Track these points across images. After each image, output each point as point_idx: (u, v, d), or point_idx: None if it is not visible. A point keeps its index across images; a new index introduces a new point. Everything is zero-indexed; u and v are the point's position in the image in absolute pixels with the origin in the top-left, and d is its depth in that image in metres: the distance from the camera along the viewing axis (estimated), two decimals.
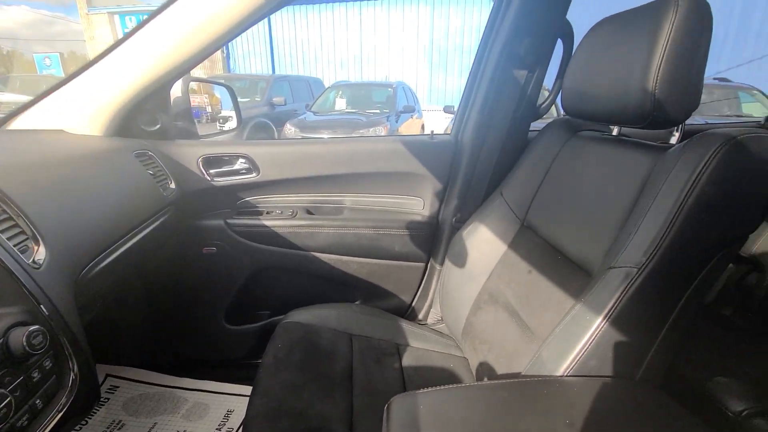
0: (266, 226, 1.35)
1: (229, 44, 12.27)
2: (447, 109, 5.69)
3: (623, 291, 0.65)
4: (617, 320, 0.65)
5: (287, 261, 1.39)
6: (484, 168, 1.33)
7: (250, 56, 12.96)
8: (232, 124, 1.61)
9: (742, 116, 4.94)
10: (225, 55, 13.10)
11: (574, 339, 0.67)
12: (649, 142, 0.82)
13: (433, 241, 1.44)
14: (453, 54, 10.89)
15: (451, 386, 0.66)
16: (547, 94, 1.33)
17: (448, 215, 1.40)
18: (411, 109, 6.24)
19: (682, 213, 0.63)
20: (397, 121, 5.74)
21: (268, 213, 1.39)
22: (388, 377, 1.03)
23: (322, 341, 1.10)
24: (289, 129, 5.75)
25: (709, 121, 4.62)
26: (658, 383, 0.72)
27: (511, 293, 1.00)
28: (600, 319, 0.66)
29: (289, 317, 1.18)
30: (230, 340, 1.46)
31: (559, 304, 0.80)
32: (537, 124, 1.29)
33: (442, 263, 1.41)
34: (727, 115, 4.93)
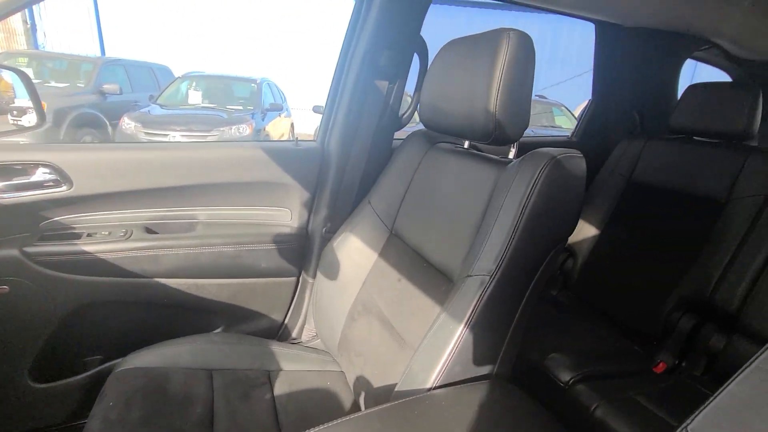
0: (87, 252, 1.07)
1: (34, 13, 9.77)
2: (316, 109, 5.61)
3: (479, 298, 0.73)
4: (475, 326, 0.72)
5: (121, 292, 1.13)
6: (352, 177, 1.30)
7: (68, 31, 10.51)
8: (31, 118, 1.23)
9: (555, 126, 6.19)
10: (30, 26, 10.33)
11: (439, 349, 0.73)
12: (493, 157, 0.91)
13: (304, 253, 1.36)
14: (323, 52, 10.81)
15: (321, 427, 0.60)
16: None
17: (317, 226, 1.34)
18: (279, 108, 5.95)
19: (520, 224, 0.73)
20: (263, 119, 5.41)
21: (89, 236, 1.11)
22: (257, 412, 0.92)
23: (171, 386, 0.92)
24: (128, 124, 4.80)
25: (535, 131, 5.72)
26: (509, 374, 0.80)
27: (384, 303, 1.00)
28: (461, 327, 0.72)
29: (125, 363, 0.96)
30: (40, 402, 1.12)
31: (427, 311, 0.85)
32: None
33: (314, 276, 1.34)
34: (545, 126, 6.10)
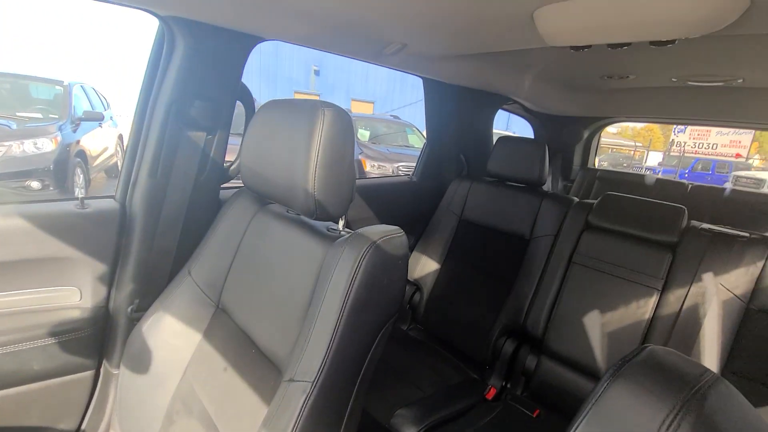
0: None
1: None
2: None
3: (303, 405, 0.67)
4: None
5: None
6: (165, 242, 1.08)
7: None
8: None
9: (408, 145, 6.71)
10: None
11: None
12: (321, 229, 0.85)
13: (103, 340, 1.08)
14: None
15: None
16: None
17: (121, 304, 1.07)
18: (98, 117, 4.89)
19: (342, 318, 0.70)
20: (75, 131, 4.35)
21: None
22: None
23: None
24: None
25: (390, 150, 6.09)
26: None
27: (207, 398, 0.85)
28: None
29: None
30: None
31: (253, 413, 0.75)
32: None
33: (118, 366, 1.07)
34: (401, 145, 6.56)
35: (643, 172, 12.54)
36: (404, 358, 1.57)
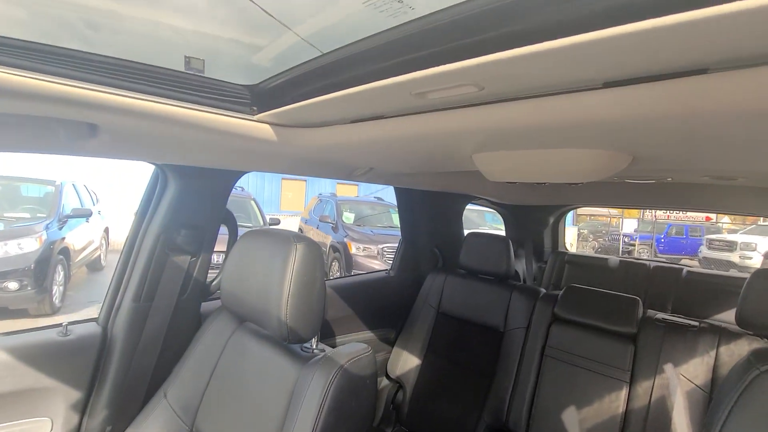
0: None
1: None
2: None
3: None
4: None
5: None
6: (142, 364, 1.10)
7: None
8: None
9: (393, 226, 6.92)
10: None
11: None
12: (296, 351, 0.90)
13: None
14: None
15: None
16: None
17: (94, 431, 1.05)
18: (86, 213, 5.00)
19: None
20: (61, 229, 4.41)
21: None
22: None
23: None
24: None
25: (375, 231, 6.28)
26: None
27: None
28: None
29: None
30: None
31: None
32: None
33: None
34: (385, 226, 6.77)
35: (620, 238, 12.97)
36: None
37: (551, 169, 0.81)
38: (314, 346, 0.91)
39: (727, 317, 1.28)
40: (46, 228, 4.21)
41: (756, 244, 9.31)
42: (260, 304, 0.86)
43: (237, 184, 1.26)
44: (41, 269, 3.97)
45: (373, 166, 1.28)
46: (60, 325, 1.06)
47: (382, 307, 1.92)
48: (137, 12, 0.66)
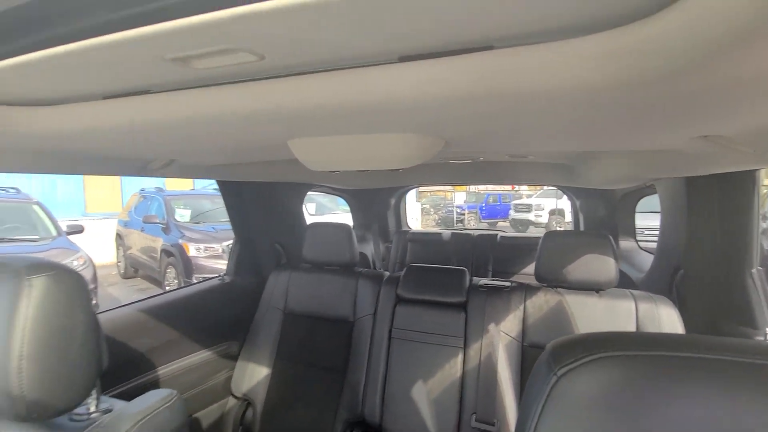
0: None
1: None
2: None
3: None
4: None
5: None
6: None
7: None
8: None
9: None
10: None
11: None
12: (59, 424, 0.64)
13: None
14: None
15: None
16: None
17: None
18: None
19: None
20: None
21: None
22: None
23: None
24: None
25: (217, 227, 5.61)
26: None
27: None
28: None
29: None
30: None
31: None
32: None
33: None
34: (225, 221, 6.12)
35: (454, 210, 15.06)
36: None
37: (368, 156, 0.74)
38: (91, 409, 0.67)
39: (531, 269, 1.55)
40: None
41: (543, 205, 12.27)
42: None
43: (8, 183, 0.83)
44: None
45: (173, 157, 1.03)
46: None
47: (219, 319, 1.66)
48: None
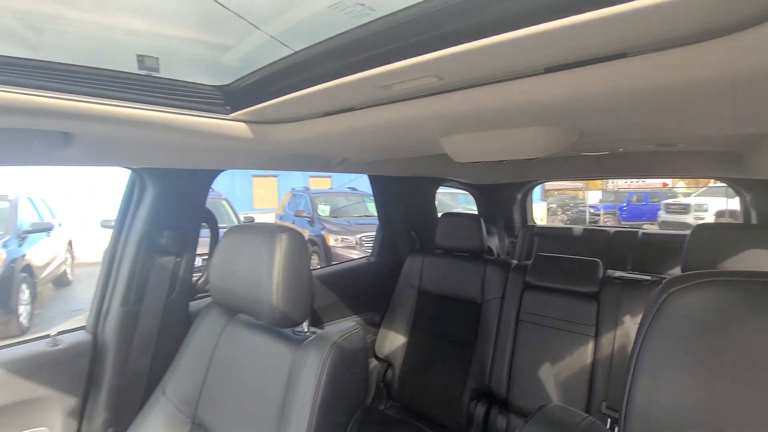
0: None
1: None
2: (105, 224, 4.80)
3: None
4: None
5: None
6: (140, 364, 1.13)
7: None
8: None
9: (368, 215, 6.98)
10: None
11: None
12: (288, 334, 0.95)
13: None
14: None
15: None
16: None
17: None
18: (46, 227, 4.78)
19: (316, 412, 0.79)
20: (21, 245, 4.21)
21: None
22: None
23: None
24: None
25: (351, 221, 6.31)
26: None
27: None
28: None
29: None
30: None
31: None
32: None
33: None
34: (361, 215, 6.81)
35: (586, 210, 13.57)
36: None
37: (509, 147, 0.89)
38: (306, 330, 0.97)
39: (678, 271, 1.44)
40: (5, 246, 4.01)
41: (707, 205, 10.01)
42: (251, 294, 0.90)
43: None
44: (4, 289, 3.79)
45: (347, 156, 1.33)
46: (48, 335, 1.06)
47: (366, 292, 1.99)
48: (99, 18, 0.68)
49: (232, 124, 0.86)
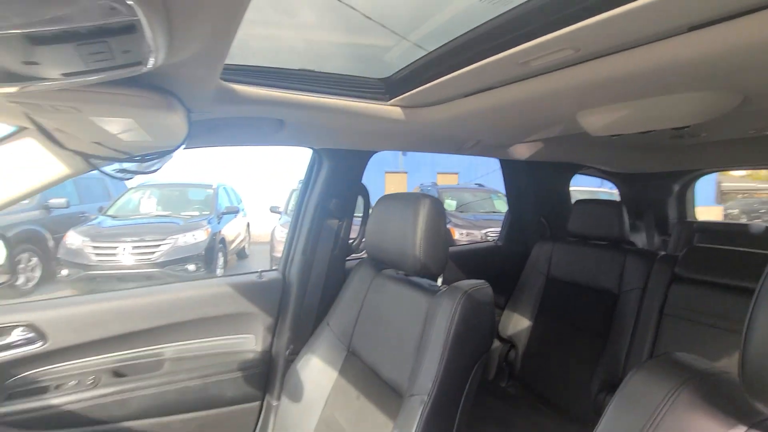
0: (55, 406, 1.10)
1: None
2: (273, 209, 5.88)
3: (421, 414, 0.89)
4: None
5: None
6: (311, 301, 1.47)
7: None
8: None
9: (495, 211, 6.87)
10: None
11: None
12: (424, 285, 1.13)
13: (268, 376, 1.44)
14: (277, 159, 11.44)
15: None
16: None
17: (281, 348, 1.45)
18: (234, 210, 6.13)
19: (447, 348, 0.93)
20: (219, 223, 5.52)
21: (57, 388, 1.14)
22: None
23: None
24: (74, 239, 4.65)
25: (477, 216, 6.32)
26: None
27: (345, 421, 1.11)
28: None
29: None
30: None
31: (382, 428, 0.99)
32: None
33: (278, 398, 1.41)
34: (487, 211, 6.76)
35: None
36: (506, 415, 1.66)
37: (654, 115, 0.88)
38: (439, 284, 1.13)
39: None
40: (209, 222, 5.30)
41: None
42: (398, 248, 1.10)
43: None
44: (209, 255, 5.03)
45: (480, 138, 1.45)
46: (257, 272, 1.48)
47: (492, 273, 2.06)
48: (306, 35, 0.96)
49: (390, 109, 1.08)
